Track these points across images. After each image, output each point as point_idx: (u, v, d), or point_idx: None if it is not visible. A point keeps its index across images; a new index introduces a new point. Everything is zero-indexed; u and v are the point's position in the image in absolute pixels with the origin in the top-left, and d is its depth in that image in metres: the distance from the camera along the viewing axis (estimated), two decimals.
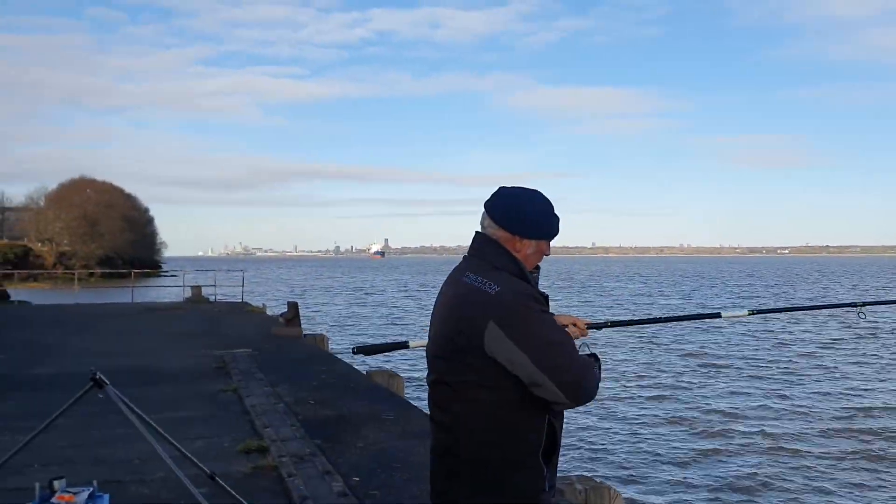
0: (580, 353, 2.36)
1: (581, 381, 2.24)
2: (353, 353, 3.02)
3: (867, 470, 11.12)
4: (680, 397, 16.60)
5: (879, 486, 10.47)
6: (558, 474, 2.44)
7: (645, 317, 3.59)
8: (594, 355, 2.43)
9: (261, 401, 8.83)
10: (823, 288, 69.08)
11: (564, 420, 2.44)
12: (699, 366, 21.13)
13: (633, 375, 19.49)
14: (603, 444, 12.78)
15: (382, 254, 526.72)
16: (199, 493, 3.59)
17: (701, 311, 26.28)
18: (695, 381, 18.75)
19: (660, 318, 3.50)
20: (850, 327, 30.32)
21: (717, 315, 3.53)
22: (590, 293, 62.85)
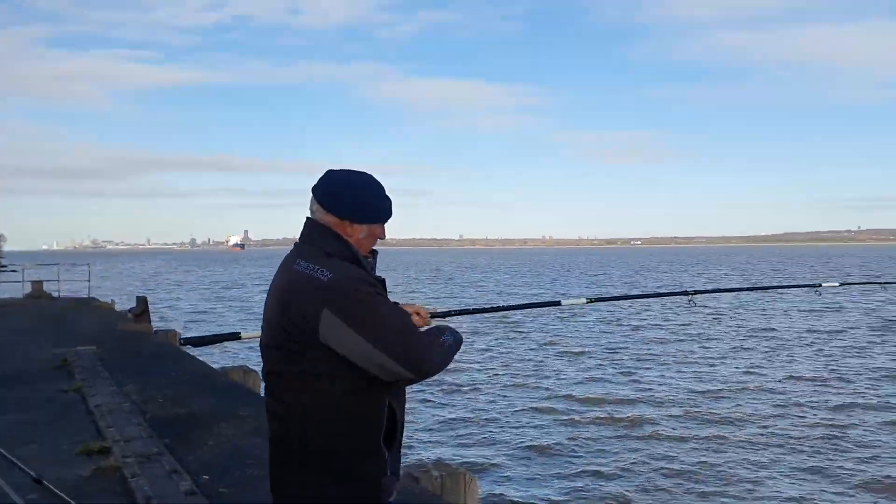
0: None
1: (426, 358, 2.20)
2: (181, 344, 2.88)
3: (716, 452, 11.75)
4: (539, 385, 17.07)
5: (726, 463, 11.14)
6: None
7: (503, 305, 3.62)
8: (446, 328, 2.40)
9: (106, 400, 8.34)
10: (671, 276, 73.15)
11: (409, 405, 2.40)
12: (558, 353, 21.85)
13: (495, 364, 19.90)
14: (462, 432, 12.96)
15: (242, 246, 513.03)
16: (19, 499, 3.31)
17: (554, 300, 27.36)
18: (554, 368, 19.35)
19: (502, 306, 3.55)
20: (696, 313, 32.23)
21: (557, 303, 3.60)
22: (455, 285, 63.78)
